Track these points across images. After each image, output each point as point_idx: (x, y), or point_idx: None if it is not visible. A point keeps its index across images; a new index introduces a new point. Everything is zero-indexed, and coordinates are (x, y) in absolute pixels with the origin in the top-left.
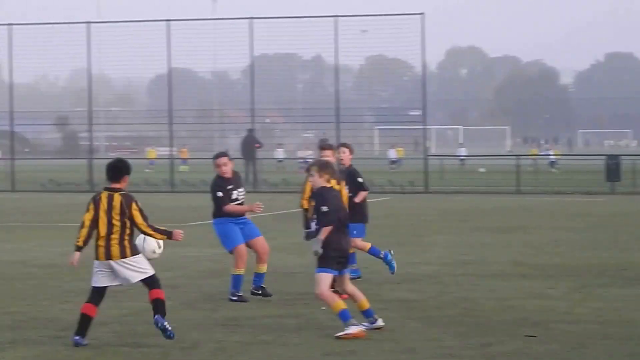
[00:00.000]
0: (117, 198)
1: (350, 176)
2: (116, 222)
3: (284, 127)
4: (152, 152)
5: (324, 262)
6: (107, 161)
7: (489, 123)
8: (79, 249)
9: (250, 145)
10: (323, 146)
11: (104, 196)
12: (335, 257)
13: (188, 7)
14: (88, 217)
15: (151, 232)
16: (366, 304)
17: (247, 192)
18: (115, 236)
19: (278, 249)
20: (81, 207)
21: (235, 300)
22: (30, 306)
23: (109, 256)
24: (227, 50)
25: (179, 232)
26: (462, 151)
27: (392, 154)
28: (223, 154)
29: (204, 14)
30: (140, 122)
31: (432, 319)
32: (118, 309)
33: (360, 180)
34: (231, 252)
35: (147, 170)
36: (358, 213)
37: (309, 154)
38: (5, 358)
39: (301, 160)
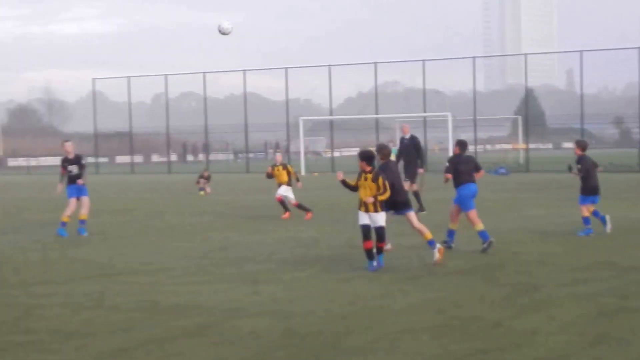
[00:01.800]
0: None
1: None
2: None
3: None
4: None
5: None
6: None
7: None
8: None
9: None
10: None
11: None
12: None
13: None
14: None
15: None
16: (429, 236)
17: None
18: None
19: None
20: (632, 186)
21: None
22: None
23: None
24: None
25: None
26: None
27: None
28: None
29: None
30: None
31: None
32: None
33: (569, 165)
34: None
35: None
36: (583, 187)
37: None
38: (577, 291)
39: None
